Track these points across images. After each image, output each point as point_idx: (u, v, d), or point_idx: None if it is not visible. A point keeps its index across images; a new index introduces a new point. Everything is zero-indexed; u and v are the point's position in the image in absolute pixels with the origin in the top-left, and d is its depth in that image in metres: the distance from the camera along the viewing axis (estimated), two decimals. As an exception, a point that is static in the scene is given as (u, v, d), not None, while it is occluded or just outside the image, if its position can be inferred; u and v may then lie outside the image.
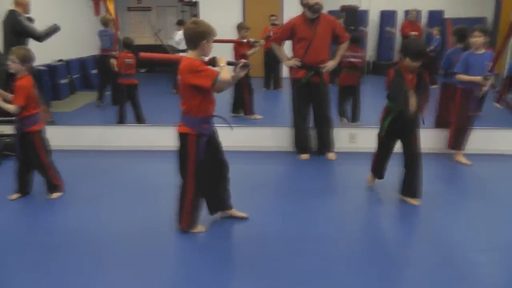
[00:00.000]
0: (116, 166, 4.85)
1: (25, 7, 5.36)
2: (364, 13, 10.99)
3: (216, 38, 3.02)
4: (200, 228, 3.22)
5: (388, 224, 3.54)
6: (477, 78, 4.47)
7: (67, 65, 8.78)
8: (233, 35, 6.52)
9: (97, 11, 8.94)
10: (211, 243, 3.11)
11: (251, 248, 3.04)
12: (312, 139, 5.05)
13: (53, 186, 3.89)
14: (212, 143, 3.13)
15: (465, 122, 4.72)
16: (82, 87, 9.25)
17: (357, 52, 5.83)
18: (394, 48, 10.80)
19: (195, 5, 10.56)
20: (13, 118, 3.83)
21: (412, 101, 3.35)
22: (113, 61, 6.38)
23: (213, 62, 3.03)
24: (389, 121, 3.60)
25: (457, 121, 4.74)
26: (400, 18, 10.95)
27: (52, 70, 8.01)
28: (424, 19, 10.91)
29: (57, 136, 4.70)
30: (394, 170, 3.79)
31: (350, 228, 3.35)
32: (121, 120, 6.06)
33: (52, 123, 5.36)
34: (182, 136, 3.04)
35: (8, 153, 4.72)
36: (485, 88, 4.57)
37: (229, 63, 3.03)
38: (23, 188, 3.90)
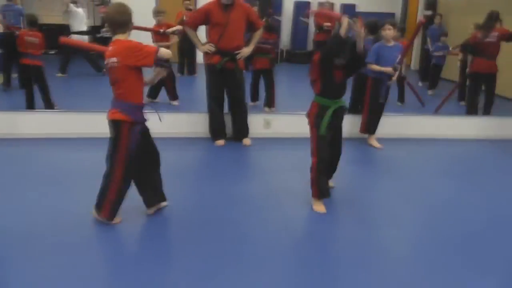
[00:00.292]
0: (26, 155, 4.37)
1: None
2: (279, 3, 11.09)
3: (134, 25, 2.90)
4: (117, 219, 3.07)
5: (304, 205, 3.45)
6: (387, 69, 4.71)
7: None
8: (148, 21, 6.13)
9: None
10: (132, 231, 3.04)
11: (171, 233, 3.06)
12: (227, 125, 4.98)
13: None
14: (145, 131, 3.01)
15: (376, 108, 4.95)
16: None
17: (268, 39, 5.95)
18: (308, 38, 11.05)
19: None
20: None
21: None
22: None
23: None
24: (329, 117, 3.29)
25: (369, 108, 4.97)
26: (314, 9, 11.14)
27: None
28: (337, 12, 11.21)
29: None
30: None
31: (262, 212, 3.36)
32: (29, 106, 5.52)
33: None
34: (115, 123, 2.86)
35: None
36: (394, 78, 4.82)
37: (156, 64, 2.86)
38: None
